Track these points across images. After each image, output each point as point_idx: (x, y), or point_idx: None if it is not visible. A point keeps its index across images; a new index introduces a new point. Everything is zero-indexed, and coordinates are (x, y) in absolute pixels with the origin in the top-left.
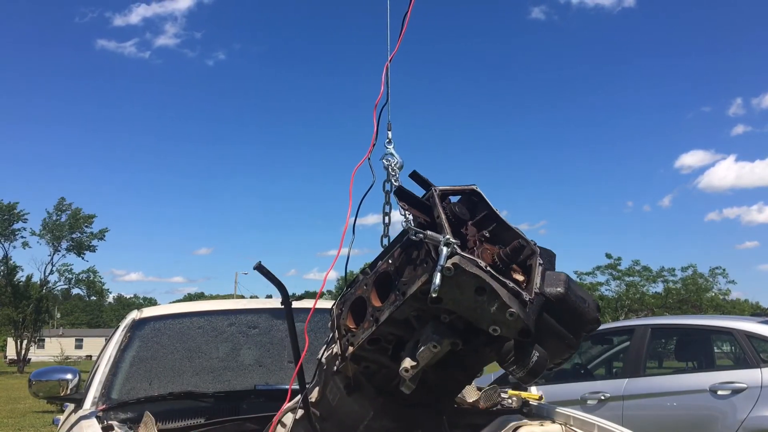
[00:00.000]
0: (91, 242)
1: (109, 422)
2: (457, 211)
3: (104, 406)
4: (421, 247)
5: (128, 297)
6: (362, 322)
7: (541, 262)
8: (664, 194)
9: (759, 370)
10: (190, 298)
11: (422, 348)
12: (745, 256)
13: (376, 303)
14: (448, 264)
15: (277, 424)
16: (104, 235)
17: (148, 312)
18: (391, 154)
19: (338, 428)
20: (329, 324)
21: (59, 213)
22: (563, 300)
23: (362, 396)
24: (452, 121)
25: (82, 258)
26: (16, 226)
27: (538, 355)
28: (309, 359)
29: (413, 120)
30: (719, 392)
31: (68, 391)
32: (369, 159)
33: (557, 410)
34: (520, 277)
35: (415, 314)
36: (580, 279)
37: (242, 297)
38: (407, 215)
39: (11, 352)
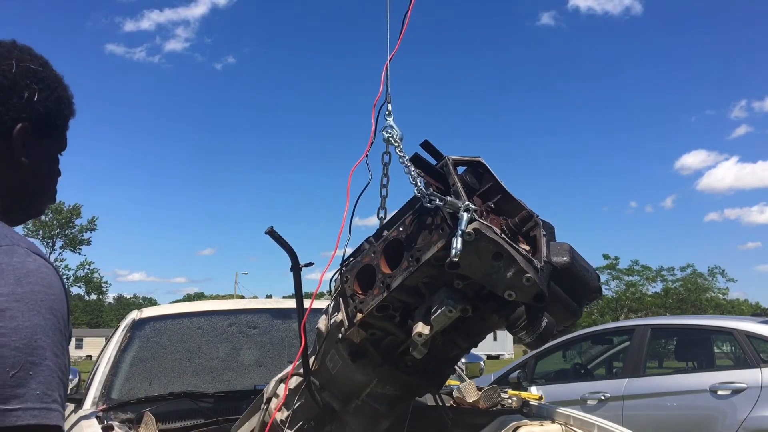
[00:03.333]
0: (83, 235)
1: (109, 422)
2: (468, 180)
3: (104, 406)
4: (436, 213)
5: (128, 297)
6: (371, 289)
7: (545, 233)
8: (667, 195)
9: (759, 370)
10: (189, 298)
11: (438, 312)
12: (746, 256)
13: (386, 270)
14: (469, 229)
15: (271, 397)
16: (95, 224)
17: (148, 312)
18: (391, 126)
19: (337, 397)
20: (331, 293)
21: (45, 212)
22: (569, 269)
23: (366, 363)
24: (455, 120)
25: (79, 253)
26: None
27: (546, 321)
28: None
29: (414, 115)
30: (719, 392)
31: (68, 391)
32: (367, 158)
33: (557, 410)
34: (525, 247)
35: (426, 281)
36: None
37: (242, 297)
38: (418, 183)
39: None
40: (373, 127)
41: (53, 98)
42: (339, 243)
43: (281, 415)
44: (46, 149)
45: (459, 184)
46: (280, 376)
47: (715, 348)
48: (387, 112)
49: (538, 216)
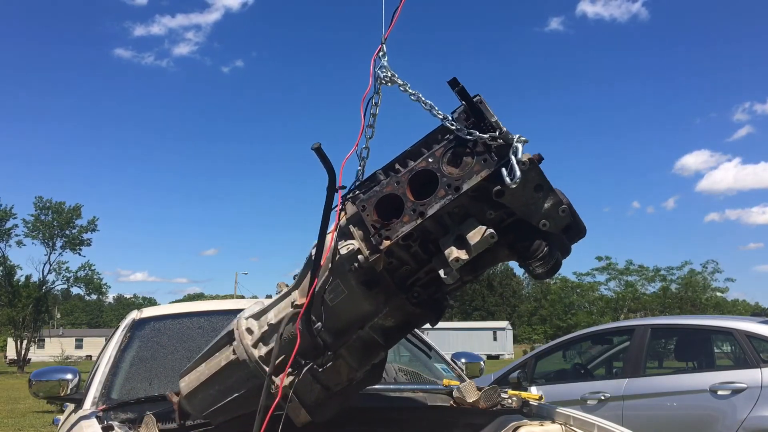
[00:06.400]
0: (83, 236)
1: (109, 422)
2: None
3: (104, 406)
4: (475, 145)
5: (128, 297)
6: (395, 218)
7: None
8: (669, 196)
9: (759, 370)
10: (190, 298)
11: (481, 238)
12: (747, 257)
13: (413, 200)
14: (524, 159)
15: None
16: (96, 225)
17: (148, 312)
18: (385, 67)
19: (330, 330)
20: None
21: (45, 212)
22: (569, 209)
23: (379, 292)
24: None
25: (79, 254)
26: (8, 224)
27: (558, 255)
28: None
29: (417, 118)
30: (719, 392)
31: (68, 391)
32: (357, 152)
33: (557, 410)
34: None
35: (456, 211)
36: (579, 280)
37: (242, 297)
38: (443, 118)
39: (11, 352)
40: (363, 122)
41: None
42: (334, 237)
43: (259, 351)
44: None
45: (498, 120)
46: (249, 313)
47: (715, 348)
48: (382, 53)
49: None
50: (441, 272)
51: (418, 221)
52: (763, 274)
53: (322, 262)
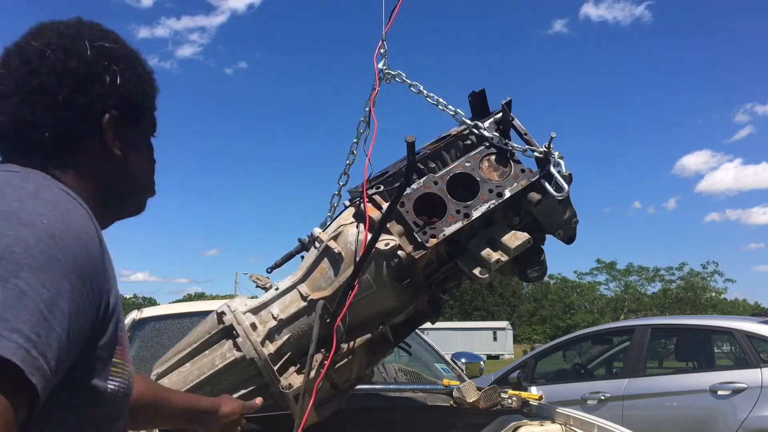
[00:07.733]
0: None
1: None
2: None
3: None
4: (512, 155)
5: (128, 297)
6: (436, 216)
7: None
8: (670, 196)
9: (759, 370)
10: (189, 298)
11: (521, 242)
12: (747, 257)
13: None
14: (567, 174)
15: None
16: None
17: (148, 312)
18: (387, 65)
19: (346, 327)
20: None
21: None
22: None
23: (408, 289)
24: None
25: None
26: None
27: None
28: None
29: (421, 121)
30: (719, 392)
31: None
32: (370, 164)
33: (557, 410)
34: None
35: (486, 214)
36: (579, 279)
37: None
38: (473, 126)
39: None
40: (374, 124)
41: (135, 78)
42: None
43: (267, 349)
44: (138, 137)
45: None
46: (244, 308)
47: (715, 348)
48: (383, 50)
49: None
50: (476, 271)
51: (464, 222)
52: (763, 274)
53: (363, 259)
